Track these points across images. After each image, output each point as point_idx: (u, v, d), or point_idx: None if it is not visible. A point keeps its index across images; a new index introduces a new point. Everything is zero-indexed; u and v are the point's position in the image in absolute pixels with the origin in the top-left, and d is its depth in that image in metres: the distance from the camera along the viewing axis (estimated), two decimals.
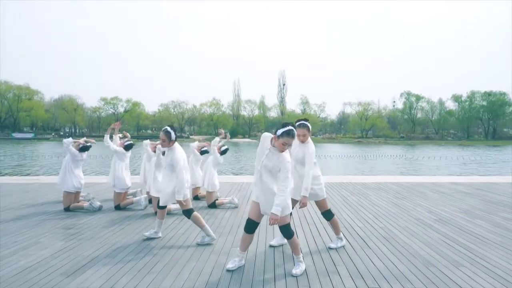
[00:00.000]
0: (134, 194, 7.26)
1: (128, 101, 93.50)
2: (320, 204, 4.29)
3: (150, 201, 6.84)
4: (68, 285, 3.26)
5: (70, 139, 6.43)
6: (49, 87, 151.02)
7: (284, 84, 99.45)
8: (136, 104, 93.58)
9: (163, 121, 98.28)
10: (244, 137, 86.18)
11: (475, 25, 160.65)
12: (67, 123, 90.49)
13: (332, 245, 4.38)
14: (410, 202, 7.26)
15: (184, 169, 4.39)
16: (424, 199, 7.59)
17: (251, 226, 3.65)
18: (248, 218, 3.67)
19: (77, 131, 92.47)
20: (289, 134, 3.41)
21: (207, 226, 4.54)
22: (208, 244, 4.46)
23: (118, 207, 6.37)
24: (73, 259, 3.89)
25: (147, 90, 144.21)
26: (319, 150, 46.71)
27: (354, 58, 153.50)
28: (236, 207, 6.69)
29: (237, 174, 17.68)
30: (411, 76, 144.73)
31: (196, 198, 7.22)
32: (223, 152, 6.86)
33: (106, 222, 5.50)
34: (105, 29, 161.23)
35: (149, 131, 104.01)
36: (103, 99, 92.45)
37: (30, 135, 79.15)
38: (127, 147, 6.51)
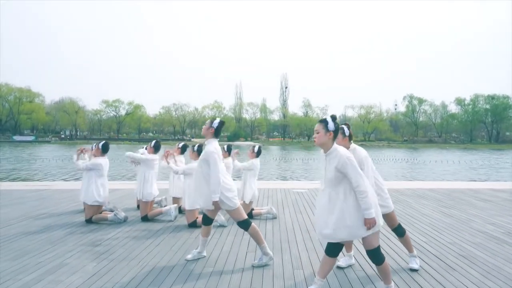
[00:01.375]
0: (159, 203, 6.62)
1: (130, 103, 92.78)
2: (389, 218, 3.64)
3: (179, 210, 6.23)
4: None
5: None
6: (50, 90, 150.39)
7: (286, 87, 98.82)
8: (137, 107, 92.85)
9: (165, 124, 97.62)
10: (246, 140, 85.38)
11: (479, 28, 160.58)
12: (68, 125, 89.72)
13: (415, 266, 3.73)
14: (460, 211, 6.62)
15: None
16: (473, 207, 6.96)
17: (334, 248, 3.00)
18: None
19: (78, 133, 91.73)
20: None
21: (266, 246, 3.89)
22: (266, 265, 3.81)
23: (145, 218, 5.72)
24: (112, 287, 3.24)
25: (148, 92, 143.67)
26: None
27: (354, 61, 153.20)
28: (274, 217, 6.04)
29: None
30: (414, 79, 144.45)
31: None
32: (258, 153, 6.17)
33: (136, 237, 4.85)
34: (106, 31, 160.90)
35: (150, 134, 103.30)
36: (105, 102, 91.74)
37: (31, 138, 78.37)
38: (156, 148, 5.89)
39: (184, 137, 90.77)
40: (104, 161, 5.68)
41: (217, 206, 3.85)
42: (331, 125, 2.89)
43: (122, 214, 5.68)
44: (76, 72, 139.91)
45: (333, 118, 2.93)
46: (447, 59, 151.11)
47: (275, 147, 68.61)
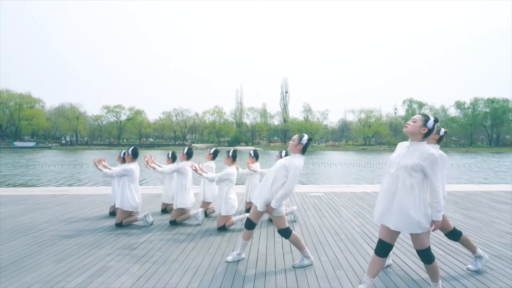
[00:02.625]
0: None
1: (131, 109, 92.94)
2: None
3: (205, 214, 6.29)
4: None
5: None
6: (48, 95, 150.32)
7: (286, 92, 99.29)
8: (138, 112, 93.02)
9: (165, 129, 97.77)
10: (247, 145, 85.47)
11: (478, 32, 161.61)
12: (69, 131, 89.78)
13: (472, 267, 3.80)
14: (481, 213, 6.69)
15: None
16: (493, 209, 7.03)
17: (385, 248, 3.06)
18: (380, 239, 3.09)
19: (78, 139, 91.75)
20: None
21: (306, 249, 3.96)
22: (306, 266, 3.88)
23: (173, 222, 5.77)
24: None
25: (149, 98, 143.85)
26: (326, 157, 46.19)
27: (354, 65, 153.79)
28: (295, 220, 6.10)
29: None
30: (413, 83, 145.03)
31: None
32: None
33: (170, 241, 4.90)
34: (106, 37, 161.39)
35: (151, 139, 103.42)
36: (106, 107, 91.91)
37: (32, 144, 78.35)
38: (189, 155, 5.95)
39: (185, 142, 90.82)
40: (135, 166, 5.75)
41: (261, 211, 3.89)
42: (430, 123, 2.95)
43: (150, 218, 5.74)
44: (75, 78, 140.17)
45: (436, 120, 3.00)
46: (446, 63, 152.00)
47: (276, 151, 68.64)
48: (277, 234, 5.20)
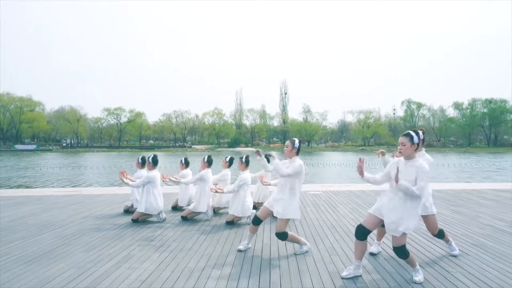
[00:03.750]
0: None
1: (131, 111, 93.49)
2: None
3: (214, 211, 6.81)
4: None
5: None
6: (48, 98, 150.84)
7: (285, 93, 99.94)
8: (138, 115, 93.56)
9: (165, 131, 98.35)
10: (246, 146, 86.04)
11: (477, 33, 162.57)
12: (69, 134, 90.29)
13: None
14: (468, 209, 7.22)
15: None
16: (480, 206, 7.56)
17: (363, 233, 3.61)
18: (360, 225, 3.63)
19: (79, 142, 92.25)
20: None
21: (303, 239, 4.53)
22: (306, 253, 4.42)
23: (185, 218, 6.31)
24: (182, 271, 3.83)
25: (149, 100, 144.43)
26: (326, 158, 46.73)
27: (353, 66, 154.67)
28: None
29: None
30: (412, 84, 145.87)
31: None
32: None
33: (183, 233, 5.44)
34: (106, 40, 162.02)
35: (151, 141, 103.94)
36: (107, 110, 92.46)
37: (33, 147, 78.88)
38: (210, 163, 6.51)
39: (185, 144, 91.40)
40: (156, 173, 6.29)
41: (269, 212, 4.43)
42: (415, 139, 3.46)
43: (163, 215, 6.30)
44: (75, 80, 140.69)
45: (417, 132, 3.50)
46: (445, 64, 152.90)
47: (275, 152, 69.09)
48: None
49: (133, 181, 6.38)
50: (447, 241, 4.40)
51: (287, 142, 4.48)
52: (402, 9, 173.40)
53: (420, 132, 3.66)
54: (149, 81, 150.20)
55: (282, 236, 4.32)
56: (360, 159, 3.61)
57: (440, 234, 4.28)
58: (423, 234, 5.27)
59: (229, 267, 3.98)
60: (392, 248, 3.60)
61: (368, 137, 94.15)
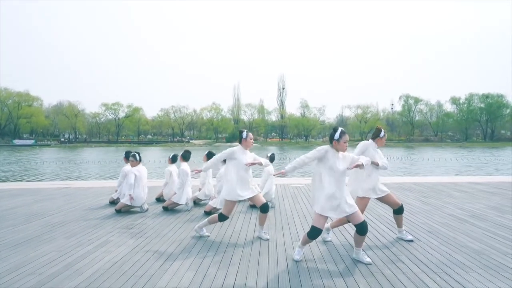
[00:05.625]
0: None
1: (129, 106, 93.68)
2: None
3: (194, 202, 7.19)
4: (164, 275, 3.57)
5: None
6: (46, 93, 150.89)
7: (283, 88, 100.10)
8: (136, 110, 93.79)
9: (163, 126, 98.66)
10: None
11: (474, 28, 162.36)
12: (67, 129, 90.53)
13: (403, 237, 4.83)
14: (436, 200, 7.60)
15: None
16: (449, 197, 7.94)
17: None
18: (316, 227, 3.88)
19: (77, 137, 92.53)
20: (345, 133, 3.94)
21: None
22: (268, 240, 4.81)
23: (166, 208, 6.69)
24: (153, 254, 4.20)
25: (147, 95, 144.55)
26: None
27: (352, 61, 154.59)
28: (272, 207, 7.00)
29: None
30: (409, 79, 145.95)
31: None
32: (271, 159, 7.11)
33: (161, 222, 5.82)
34: (104, 34, 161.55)
35: (149, 136, 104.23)
36: (105, 105, 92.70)
37: (31, 142, 79.17)
38: (185, 157, 7.02)
39: (183, 139, 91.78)
40: (142, 167, 6.82)
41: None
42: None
43: (146, 206, 6.70)
44: (73, 75, 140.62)
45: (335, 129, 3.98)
46: (442, 59, 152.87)
47: (273, 147, 69.67)
48: (253, 217, 6.13)
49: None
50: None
51: (252, 135, 4.84)
52: (400, 5, 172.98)
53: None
54: (147, 77, 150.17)
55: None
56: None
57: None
58: (384, 221, 5.65)
59: (196, 250, 4.36)
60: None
61: (366, 132, 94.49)
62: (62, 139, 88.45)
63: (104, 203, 7.52)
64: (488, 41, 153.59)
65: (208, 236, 4.97)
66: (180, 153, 7.07)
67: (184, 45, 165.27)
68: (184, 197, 6.69)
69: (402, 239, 4.78)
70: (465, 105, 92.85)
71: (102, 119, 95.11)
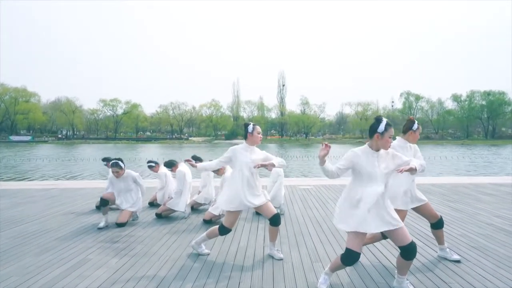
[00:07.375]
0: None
1: (127, 103, 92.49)
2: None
3: (192, 208, 6.32)
4: None
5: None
6: (44, 89, 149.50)
7: (283, 85, 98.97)
8: (134, 106, 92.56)
9: (162, 123, 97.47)
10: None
11: (474, 25, 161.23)
12: (65, 125, 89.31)
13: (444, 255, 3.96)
14: (466, 205, 6.75)
15: None
16: (478, 201, 7.09)
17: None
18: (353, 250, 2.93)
19: (75, 133, 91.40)
20: (391, 126, 3.04)
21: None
22: (281, 260, 3.92)
23: (159, 216, 5.81)
24: (138, 282, 3.32)
25: (146, 91, 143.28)
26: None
27: (352, 58, 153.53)
28: (282, 214, 6.13)
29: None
30: (410, 76, 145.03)
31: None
32: None
33: (152, 234, 4.94)
34: (102, 30, 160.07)
35: (148, 133, 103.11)
36: (103, 101, 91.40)
37: (28, 138, 78.07)
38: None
39: (182, 136, 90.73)
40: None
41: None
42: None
43: (137, 213, 5.79)
44: (71, 71, 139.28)
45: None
46: (443, 56, 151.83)
47: (273, 144, 68.76)
48: (260, 227, 5.26)
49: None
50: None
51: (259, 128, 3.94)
52: (402, 1, 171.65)
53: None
54: (146, 73, 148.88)
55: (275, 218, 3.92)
56: (325, 144, 2.99)
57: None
58: (417, 235, 4.79)
59: (194, 275, 3.48)
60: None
61: (366, 129, 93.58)
62: (60, 136, 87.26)
63: (91, 207, 6.64)
64: (490, 38, 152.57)
65: (208, 254, 4.09)
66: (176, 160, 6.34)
67: (184, 40, 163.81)
68: (182, 203, 5.80)
69: (446, 259, 3.91)
70: (466, 103, 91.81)
71: (100, 116, 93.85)
